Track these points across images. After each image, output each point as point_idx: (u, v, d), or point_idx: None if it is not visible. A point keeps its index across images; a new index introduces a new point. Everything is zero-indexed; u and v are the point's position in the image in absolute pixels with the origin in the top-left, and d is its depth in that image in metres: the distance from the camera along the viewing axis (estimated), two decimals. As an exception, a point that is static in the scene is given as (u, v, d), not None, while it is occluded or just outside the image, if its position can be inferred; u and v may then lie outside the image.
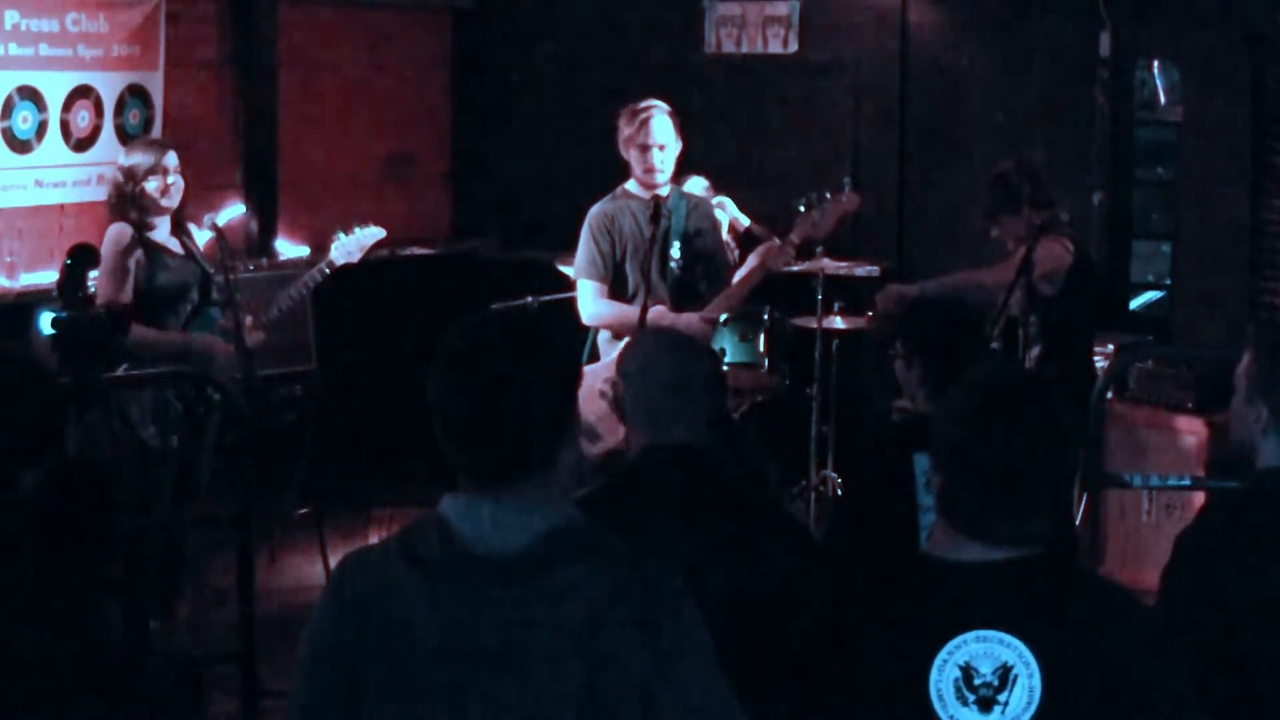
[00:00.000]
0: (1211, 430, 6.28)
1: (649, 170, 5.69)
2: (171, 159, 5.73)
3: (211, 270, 5.80)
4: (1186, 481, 6.06)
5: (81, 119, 6.89)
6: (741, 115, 8.35)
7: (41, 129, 6.72)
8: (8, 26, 6.49)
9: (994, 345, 5.40)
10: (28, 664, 2.81)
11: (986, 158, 7.19)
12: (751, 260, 5.83)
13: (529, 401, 2.23)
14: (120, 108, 7.02)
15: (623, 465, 3.07)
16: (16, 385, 2.99)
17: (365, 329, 8.01)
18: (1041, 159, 5.92)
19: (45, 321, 4.59)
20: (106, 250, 5.66)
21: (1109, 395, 5.55)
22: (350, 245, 6.22)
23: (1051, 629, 2.34)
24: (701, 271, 5.88)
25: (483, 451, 2.24)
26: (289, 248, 7.87)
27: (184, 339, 5.74)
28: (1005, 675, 2.33)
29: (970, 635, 2.34)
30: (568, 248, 6.03)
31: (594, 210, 5.82)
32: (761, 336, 7.18)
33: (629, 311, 5.59)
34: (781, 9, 8.19)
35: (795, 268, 6.82)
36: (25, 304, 6.49)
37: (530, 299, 6.83)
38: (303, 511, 7.14)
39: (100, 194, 6.85)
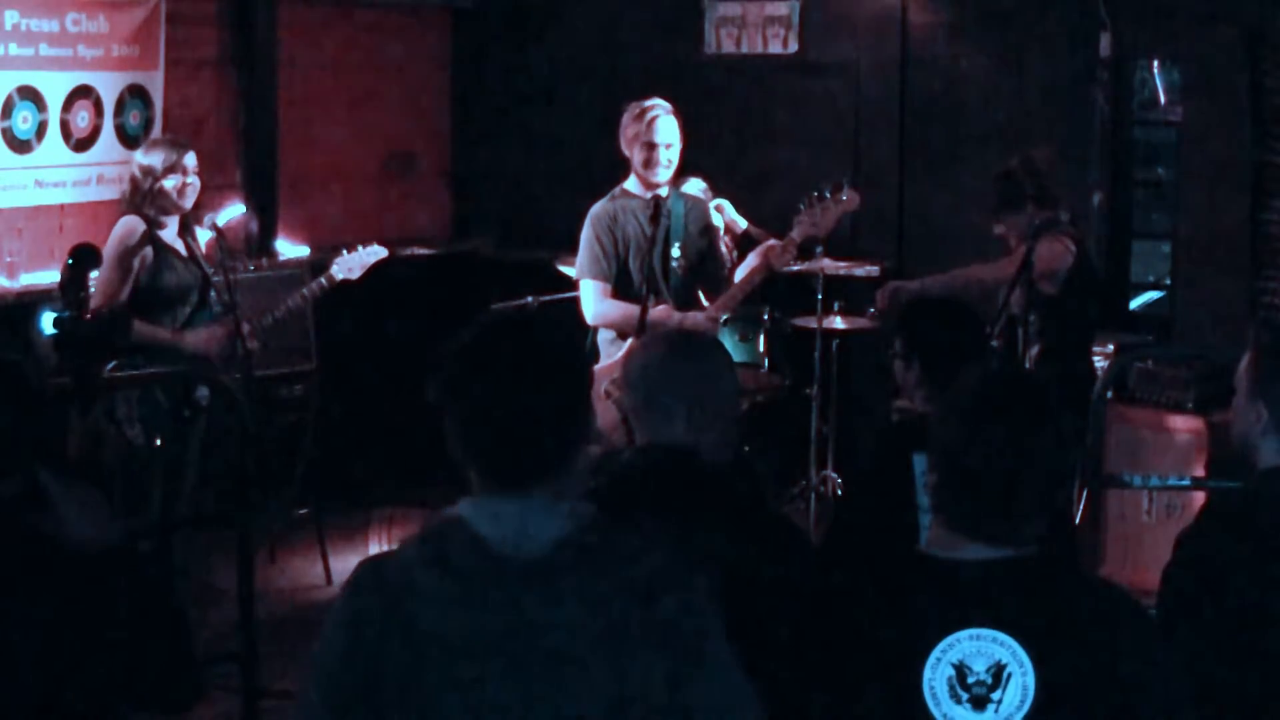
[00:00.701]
0: (1211, 430, 6.28)
1: (655, 167, 5.69)
2: (191, 159, 5.74)
3: (211, 273, 5.80)
4: (1186, 481, 6.07)
5: (81, 119, 6.88)
6: (741, 115, 8.35)
7: (41, 129, 6.71)
8: (8, 26, 6.49)
9: (994, 344, 5.41)
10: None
11: (986, 158, 7.19)
12: (753, 259, 5.84)
13: (554, 404, 2.24)
14: (120, 108, 7.02)
15: (616, 465, 3.05)
16: None
17: (365, 329, 8.01)
18: (1049, 156, 5.91)
19: (47, 321, 4.59)
20: (114, 242, 5.65)
21: (1109, 395, 5.55)
22: (351, 262, 6.25)
23: (1046, 628, 2.35)
24: (702, 270, 5.89)
25: (507, 455, 2.24)
26: (289, 248, 7.86)
27: (177, 337, 5.73)
28: (999, 674, 2.34)
29: (964, 634, 2.35)
30: (568, 248, 6.03)
31: (595, 209, 5.82)
32: (761, 336, 7.20)
33: (633, 311, 5.59)
34: (781, 9, 8.19)
35: (795, 268, 6.82)
36: (25, 304, 6.50)
37: (530, 299, 6.82)
38: (303, 511, 7.15)
39: (100, 194, 6.87)
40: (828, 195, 5.76)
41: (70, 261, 5.71)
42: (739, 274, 5.86)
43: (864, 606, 2.46)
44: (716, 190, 7.42)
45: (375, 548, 7.26)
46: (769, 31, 8.24)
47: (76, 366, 4.17)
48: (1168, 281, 7.78)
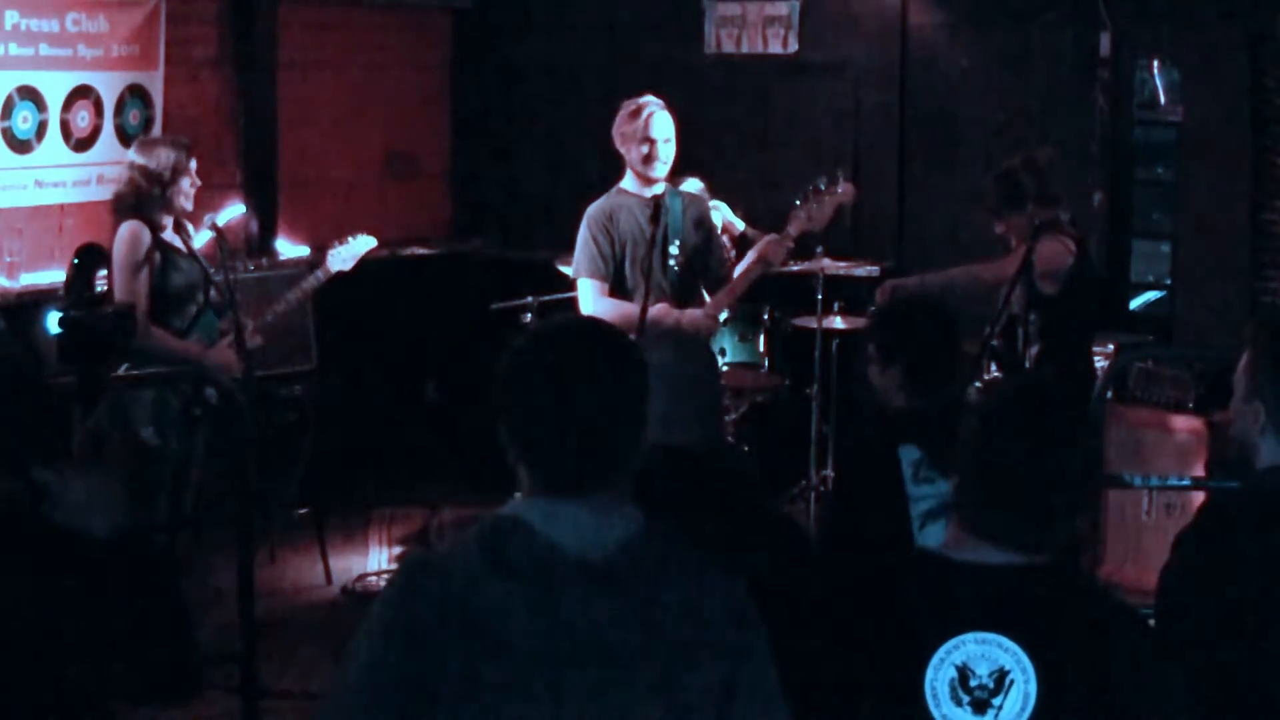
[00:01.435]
0: (1211, 430, 6.28)
1: (654, 162, 5.69)
2: (192, 161, 5.74)
3: (211, 270, 5.80)
4: (1186, 481, 6.06)
5: (81, 119, 6.89)
6: (741, 115, 8.35)
7: (41, 129, 6.71)
8: (8, 26, 6.49)
9: (994, 344, 5.41)
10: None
11: (986, 158, 7.20)
12: (751, 255, 5.84)
13: (618, 406, 2.24)
14: (120, 108, 7.02)
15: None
16: None
17: (365, 329, 8.01)
18: (1050, 156, 5.91)
19: (52, 321, 4.57)
20: (124, 250, 5.62)
21: (1109, 395, 5.55)
22: (345, 254, 6.28)
23: (1051, 636, 2.35)
24: (700, 268, 5.89)
25: (571, 457, 2.22)
26: (289, 248, 7.87)
27: (201, 351, 5.74)
28: (1001, 679, 2.34)
29: (969, 636, 2.35)
30: (568, 248, 6.04)
31: (592, 208, 5.82)
32: (761, 336, 7.20)
33: (631, 310, 5.58)
34: (781, 9, 8.19)
35: (795, 267, 6.82)
36: (26, 304, 6.50)
37: (530, 299, 6.83)
38: (303, 511, 7.15)
39: (100, 194, 6.85)
40: (823, 189, 5.77)
41: (76, 261, 5.71)
42: (737, 270, 5.86)
43: (867, 603, 2.46)
44: (715, 189, 7.41)
45: (375, 548, 7.27)
46: (769, 31, 8.24)
47: (81, 366, 4.15)
48: (1168, 281, 7.78)
